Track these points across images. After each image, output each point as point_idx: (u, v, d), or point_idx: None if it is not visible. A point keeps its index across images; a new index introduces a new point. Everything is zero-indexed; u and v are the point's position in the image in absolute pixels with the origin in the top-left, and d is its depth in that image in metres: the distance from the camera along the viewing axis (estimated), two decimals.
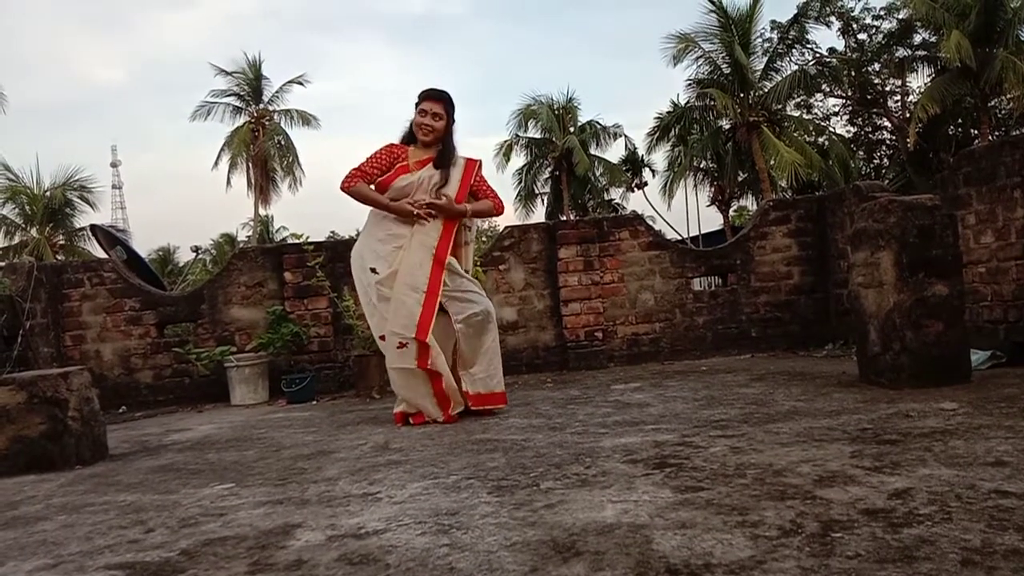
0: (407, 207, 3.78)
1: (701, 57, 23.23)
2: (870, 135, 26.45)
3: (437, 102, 3.90)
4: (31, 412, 3.29)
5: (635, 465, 2.43)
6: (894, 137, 25.20)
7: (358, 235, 4.22)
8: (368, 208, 3.92)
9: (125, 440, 4.16)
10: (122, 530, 2.15)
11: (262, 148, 28.73)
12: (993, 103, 21.39)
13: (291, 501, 2.34)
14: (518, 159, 30.39)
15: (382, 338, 3.86)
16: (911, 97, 24.07)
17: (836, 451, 2.38)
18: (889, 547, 1.50)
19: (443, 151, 3.92)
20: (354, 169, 3.89)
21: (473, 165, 3.98)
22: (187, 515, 2.27)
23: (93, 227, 8.94)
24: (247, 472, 2.90)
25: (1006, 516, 1.64)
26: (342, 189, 3.85)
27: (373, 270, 3.81)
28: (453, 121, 3.95)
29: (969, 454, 2.21)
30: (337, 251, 6.19)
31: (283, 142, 29.71)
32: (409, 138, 3.97)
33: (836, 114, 26.48)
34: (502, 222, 31.22)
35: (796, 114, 25.25)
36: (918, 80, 23.64)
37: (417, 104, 3.92)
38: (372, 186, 3.90)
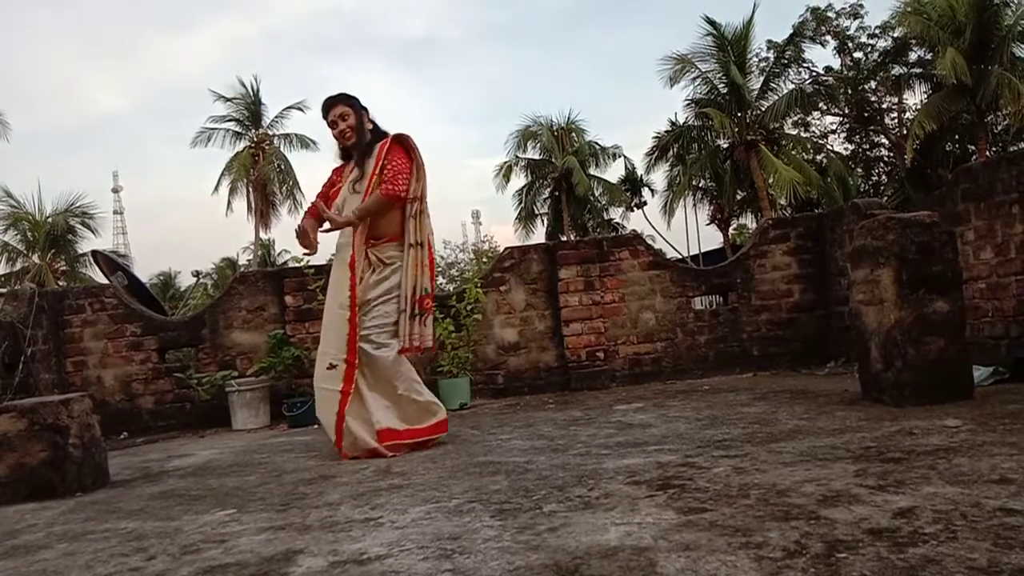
0: (301, 237, 3.92)
1: (698, 77, 23.38)
2: (868, 152, 26.56)
3: (337, 106, 3.90)
4: (32, 440, 3.28)
5: (638, 487, 2.42)
6: (892, 154, 25.31)
7: None
8: None
9: (127, 466, 4.15)
10: (123, 558, 2.14)
11: (262, 172, 28.85)
12: (989, 119, 21.49)
13: (293, 527, 2.33)
14: (518, 180, 30.53)
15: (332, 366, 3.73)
16: (908, 114, 24.19)
17: (840, 470, 2.37)
18: (894, 567, 1.49)
19: (367, 143, 3.88)
20: (308, 208, 4.04)
21: (384, 146, 3.82)
22: (189, 542, 2.25)
23: (95, 253, 8.98)
24: (248, 497, 2.89)
25: (1012, 534, 1.63)
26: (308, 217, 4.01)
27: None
28: (362, 111, 3.92)
29: (973, 472, 2.20)
30: None
31: (283, 166, 29.84)
32: (342, 155, 4.00)
33: (834, 132, 26.61)
34: (502, 243, 31.24)
35: (794, 132, 25.36)
36: (914, 97, 23.79)
37: (326, 122, 3.92)
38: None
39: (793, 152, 23.79)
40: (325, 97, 3.96)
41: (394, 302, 3.76)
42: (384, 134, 3.92)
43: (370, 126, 3.94)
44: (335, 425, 3.65)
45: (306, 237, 3.92)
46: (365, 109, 3.95)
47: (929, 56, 21.52)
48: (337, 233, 3.85)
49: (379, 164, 3.79)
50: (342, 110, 3.87)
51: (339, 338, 3.68)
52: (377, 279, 3.78)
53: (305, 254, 4.11)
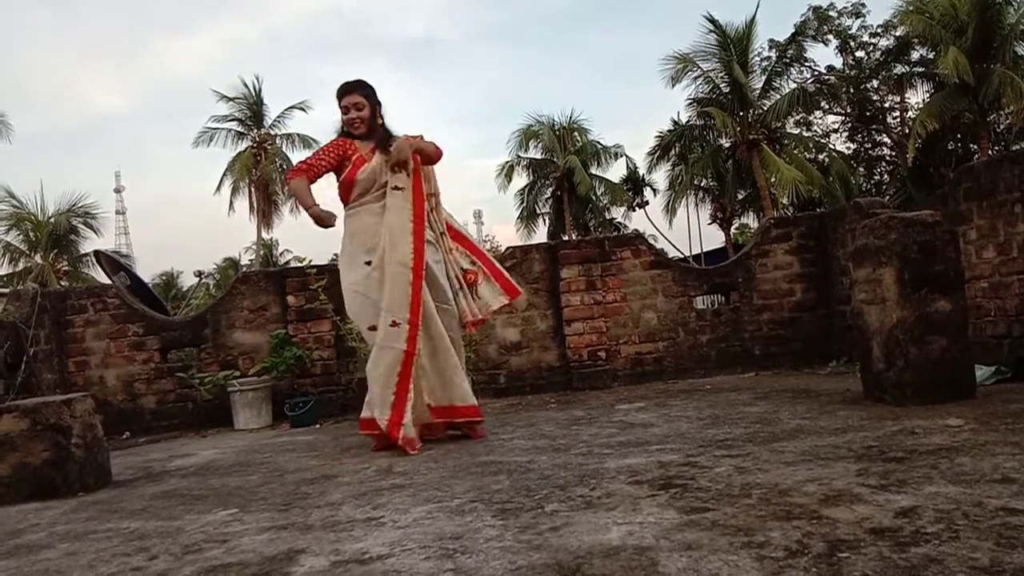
0: (321, 215, 3.79)
1: (700, 76, 23.39)
2: (870, 151, 26.56)
3: (354, 94, 3.93)
4: (35, 439, 3.29)
5: (640, 486, 2.42)
6: (894, 153, 25.29)
7: None
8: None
9: (129, 466, 4.15)
10: (126, 557, 2.15)
11: (264, 172, 28.89)
12: (992, 118, 21.47)
13: (295, 526, 2.33)
14: (520, 180, 30.55)
15: (371, 328, 3.75)
16: (910, 113, 24.18)
17: (842, 469, 2.37)
18: (896, 567, 1.49)
19: (382, 136, 3.94)
20: (301, 162, 3.93)
21: (409, 138, 3.96)
22: (191, 541, 2.26)
23: (97, 253, 8.98)
24: (250, 497, 2.89)
25: (1014, 534, 1.62)
26: (286, 179, 3.88)
27: (368, 262, 3.79)
28: (377, 104, 3.98)
29: (976, 471, 2.20)
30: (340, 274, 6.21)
31: (285, 166, 29.87)
32: (348, 134, 3.99)
33: (836, 131, 26.63)
34: (504, 243, 31.21)
35: (796, 131, 25.37)
36: (916, 96, 23.79)
37: (338, 105, 3.95)
38: (324, 179, 3.94)
39: (795, 151, 23.80)
40: (344, 81, 3.98)
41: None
42: (391, 132, 3.98)
43: (381, 121, 3.99)
44: (394, 389, 3.63)
45: (327, 219, 3.82)
46: (380, 104, 4.00)
47: (931, 55, 21.50)
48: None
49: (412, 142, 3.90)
50: (358, 100, 3.91)
51: (403, 297, 3.68)
52: (435, 257, 3.93)
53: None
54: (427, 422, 3.86)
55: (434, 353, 3.81)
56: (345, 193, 3.92)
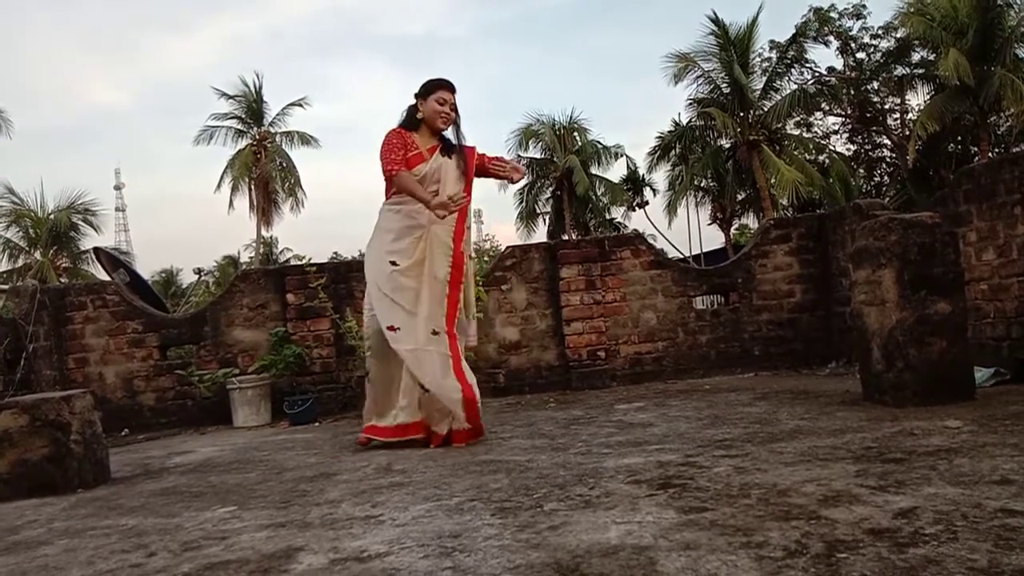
0: (443, 203, 3.73)
1: (701, 77, 23.41)
2: (870, 153, 26.56)
3: (453, 93, 3.96)
4: (34, 436, 3.29)
5: (639, 486, 2.42)
6: (894, 155, 25.30)
7: (361, 255, 4.23)
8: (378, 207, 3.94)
9: (127, 463, 4.15)
10: (124, 554, 2.15)
11: (264, 170, 28.87)
12: (992, 120, 21.47)
13: (294, 524, 2.33)
14: None
15: (393, 328, 3.75)
16: (910, 115, 24.19)
17: (840, 470, 2.37)
18: (895, 567, 1.50)
19: (445, 139, 3.98)
20: (390, 160, 3.83)
21: (473, 152, 4.03)
22: (189, 539, 2.26)
23: (96, 250, 8.99)
24: (249, 495, 2.89)
25: (1013, 535, 1.63)
26: (389, 173, 3.79)
27: (393, 262, 3.78)
28: (458, 111, 4.03)
29: (975, 472, 2.20)
30: (339, 272, 6.21)
31: (284, 164, 29.87)
32: (410, 124, 3.96)
33: (836, 132, 26.63)
34: (504, 242, 31.20)
35: (796, 133, 25.37)
36: (917, 98, 23.80)
37: (429, 93, 3.92)
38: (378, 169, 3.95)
39: (795, 152, 23.80)
40: (443, 77, 3.98)
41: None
42: (463, 139, 4.05)
43: (458, 125, 4.03)
44: (459, 385, 3.69)
45: (447, 205, 3.77)
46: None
47: (932, 57, 21.52)
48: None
49: (473, 165, 3.99)
50: (454, 101, 3.96)
51: (440, 307, 3.79)
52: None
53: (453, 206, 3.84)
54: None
55: None
56: (389, 185, 3.90)
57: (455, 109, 3.96)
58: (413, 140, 3.91)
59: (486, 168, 4.06)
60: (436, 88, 3.93)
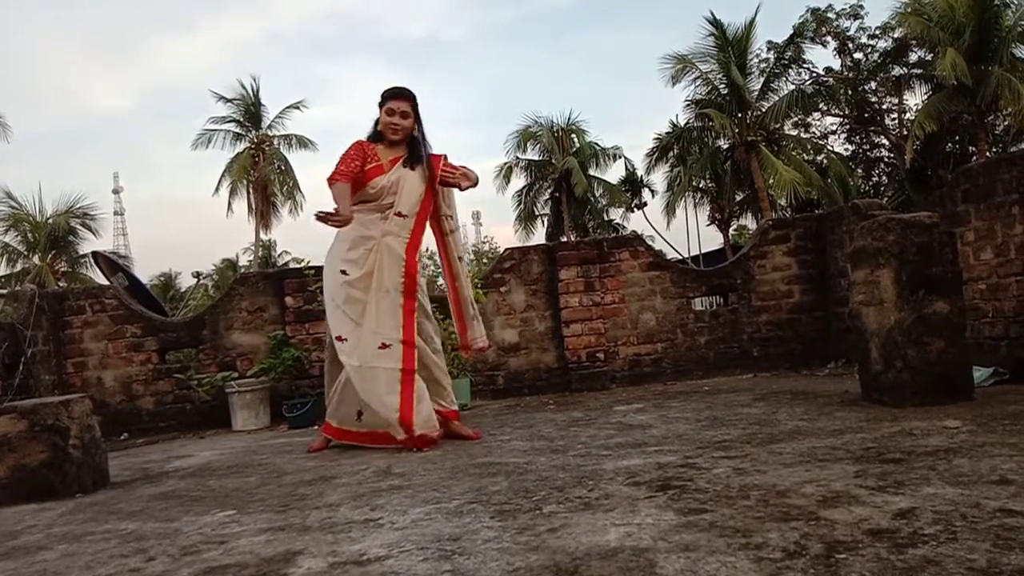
0: (345, 217, 3.71)
1: (699, 78, 23.42)
2: (868, 153, 26.57)
3: (404, 100, 3.93)
4: (32, 440, 3.28)
5: (638, 487, 2.42)
6: (892, 155, 25.31)
7: None
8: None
9: (126, 467, 4.15)
10: (123, 559, 2.14)
11: (262, 173, 28.86)
12: (990, 120, 21.49)
13: (293, 528, 2.33)
14: (518, 181, 30.54)
15: (340, 338, 3.81)
16: (908, 115, 24.21)
17: (840, 471, 2.37)
18: (894, 568, 1.49)
19: (412, 149, 3.94)
20: (339, 168, 3.85)
21: (439, 160, 3.98)
22: (188, 543, 2.25)
23: (95, 254, 8.98)
24: (248, 499, 2.89)
25: (1012, 535, 1.63)
26: (330, 180, 3.80)
27: (343, 272, 3.83)
28: (419, 119, 3.99)
29: (974, 472, 2.20)
30: None
31: (283, 167, 29.86)
32: (375, 136, 3.98)
33: (834, 132, 26.63)
34: (503, 244, 31.24)
35: (794, 133, 25.38)
36: (915, 98, 23.81)
37: (382, 104, 3.94)
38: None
39: (793, 153, 23.80)
40: (396, 85, 3.99)
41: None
42: (429, 146, 4.02)
43: (418, 135, 4.00)
44: (398, 404, 3.71)
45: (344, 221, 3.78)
46: (421, 120, 4.01)
47: (929, 57, 21.54)
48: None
49: (437, 175, 3.95)
50: (406, 108, 3.93)
51: (393, 319, 3.78)
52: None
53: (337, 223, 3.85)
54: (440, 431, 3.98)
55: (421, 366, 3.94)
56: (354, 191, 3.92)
57: (410, 115, 3.92)
58: (375, 152, 3.92)
59: (440, 175, 3.97)
60: (388, 98, 3.93)
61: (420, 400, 3.75)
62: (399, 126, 3.91)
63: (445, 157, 4.04)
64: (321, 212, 3.69)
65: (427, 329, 4.02)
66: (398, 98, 3.92)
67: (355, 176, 3.85)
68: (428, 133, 4.04)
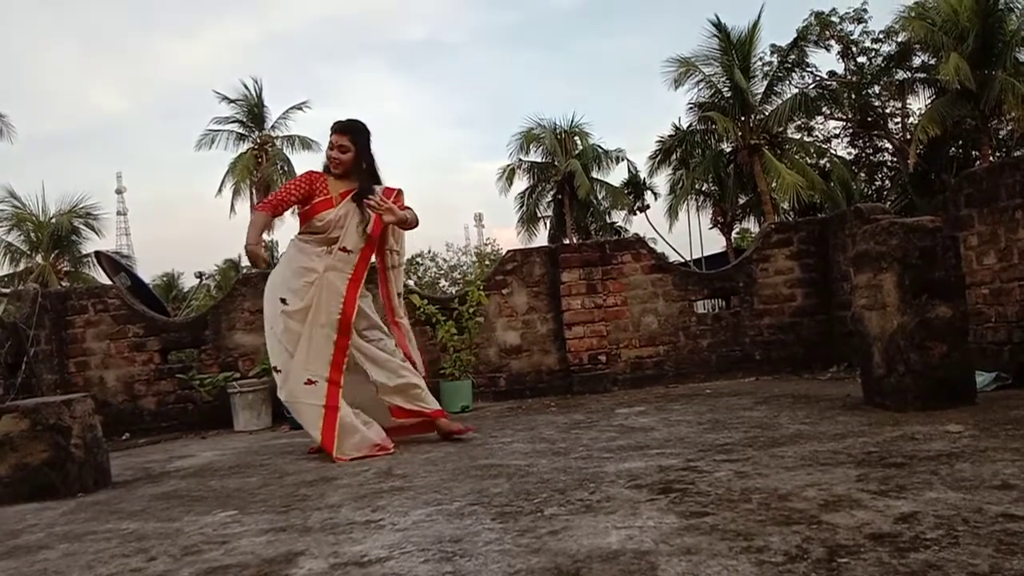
0: (255, 254, 3.75)
1: (702, 81, 23.42)
2: (871, 157, 26.54)
3: (342, 134, 3.93)
4: (34, 440, 3.29)
5: (640, 490, 2.42)
6: (895, 159, 25.28)
7: None
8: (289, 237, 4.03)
9: (128, 467, 4.15)
10: (124, 558, 2.14)
11: (265, 174, 28.89)
12: (993, 124, 21.47)
13: (294, 528, 2.33)
14: (520, 183, 30.55)
15: (276, 369, 3.86)
16: (911, 119, 24.17)
17: (842, 475, 2.37)
18: (896, 572, 1.49)
19: (362, 185, 3.92)
20: (270, 197, 3.93)
21: (391, 193, 3.97)
22: (190, 543, 2.26)
23: (98, 254, 9.00)
24: (250, 499, 2.89)
25: (1014, 540, 1.62)
26: (255, 207, 3.86)
27: (283, 300, 3.83)
28: (366, 150, 3.97)
29: (976, 477, 2.20)
30: None
31: (285, 168, 29.88)
32: (327, 167, 4.00)
33: (837, 136, 26.60)
34: (505, 246, 31.28)
35: (797, 137, 25.37)
36: (918, 102, 23.77)
37: (330, 140, 3.97)
38: (290, 212, 4.04)
39: (796, 156, 23.80)
40: (340, 119, 4.01)
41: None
42: (379, 180, 4.00)
43: (366, 168, 3.98)
44: (320, 441, 3.76)
45: (256, 260, 3.83)
46: (370, 152, 3.99)
47: (933, 61, 21.51)
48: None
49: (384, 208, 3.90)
50: (344, 142, 3.92)
51: (322, 356, 3.78)
52: (368, 305, 4.01)
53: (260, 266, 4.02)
54: (394, 425, 3.99)
55: (388, 377, 3.92)
56: (300, 223, 3.97)
57: (349, 149, 3.90)
58: (326, 184, 3.94)
59: (365, 201, 3.90)
60: (331, 131, 3.96)
61: (346, 434, 3.71)
62: (338, 160, 3.91)
63: (399, 192, 4.01)
64: (253, 257, 3.74)
65: (389, 344, 3.98)
66: (337, 132, 3.93)
67: (282, 210, 3.91)
68: (380, 166, 4.03)
